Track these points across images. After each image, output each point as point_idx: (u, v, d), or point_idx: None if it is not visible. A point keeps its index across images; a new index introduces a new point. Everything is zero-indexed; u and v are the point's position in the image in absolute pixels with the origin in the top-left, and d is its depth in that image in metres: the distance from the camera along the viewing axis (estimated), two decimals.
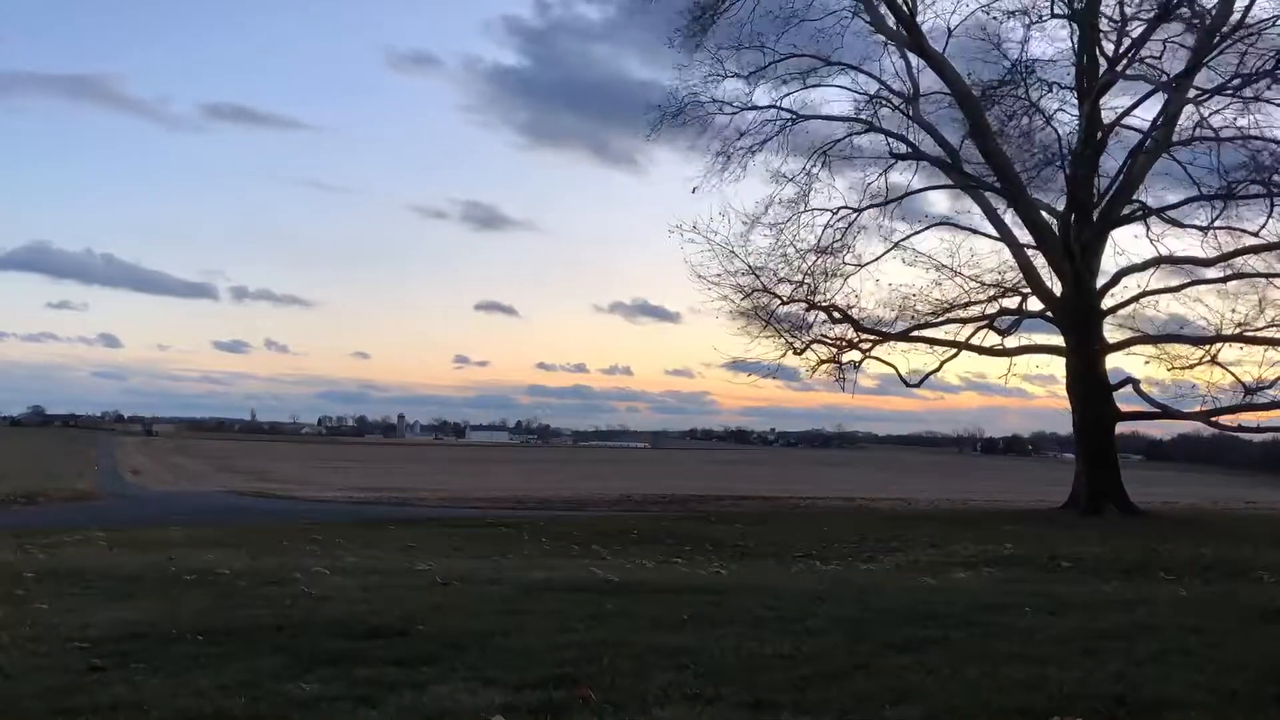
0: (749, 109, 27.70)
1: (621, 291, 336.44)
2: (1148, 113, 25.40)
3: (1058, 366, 27.88)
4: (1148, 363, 27.95)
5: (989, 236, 27.88)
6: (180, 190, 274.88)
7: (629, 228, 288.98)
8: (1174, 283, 26.75)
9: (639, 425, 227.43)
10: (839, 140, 27.84)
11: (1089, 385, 26.12)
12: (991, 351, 29.09)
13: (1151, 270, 26.71)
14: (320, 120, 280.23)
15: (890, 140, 27.58)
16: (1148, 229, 26.77)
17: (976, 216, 27.95)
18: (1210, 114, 24.32)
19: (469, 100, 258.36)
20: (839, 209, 28.14)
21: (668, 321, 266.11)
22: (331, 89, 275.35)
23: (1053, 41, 28.64)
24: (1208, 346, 26.29)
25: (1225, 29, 23.76)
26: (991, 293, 28.70)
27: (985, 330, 28.88)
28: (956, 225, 28.47)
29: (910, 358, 29.92)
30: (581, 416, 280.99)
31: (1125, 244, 27.78)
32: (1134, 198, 26.29)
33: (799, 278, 28.42)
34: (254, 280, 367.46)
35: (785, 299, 28.47)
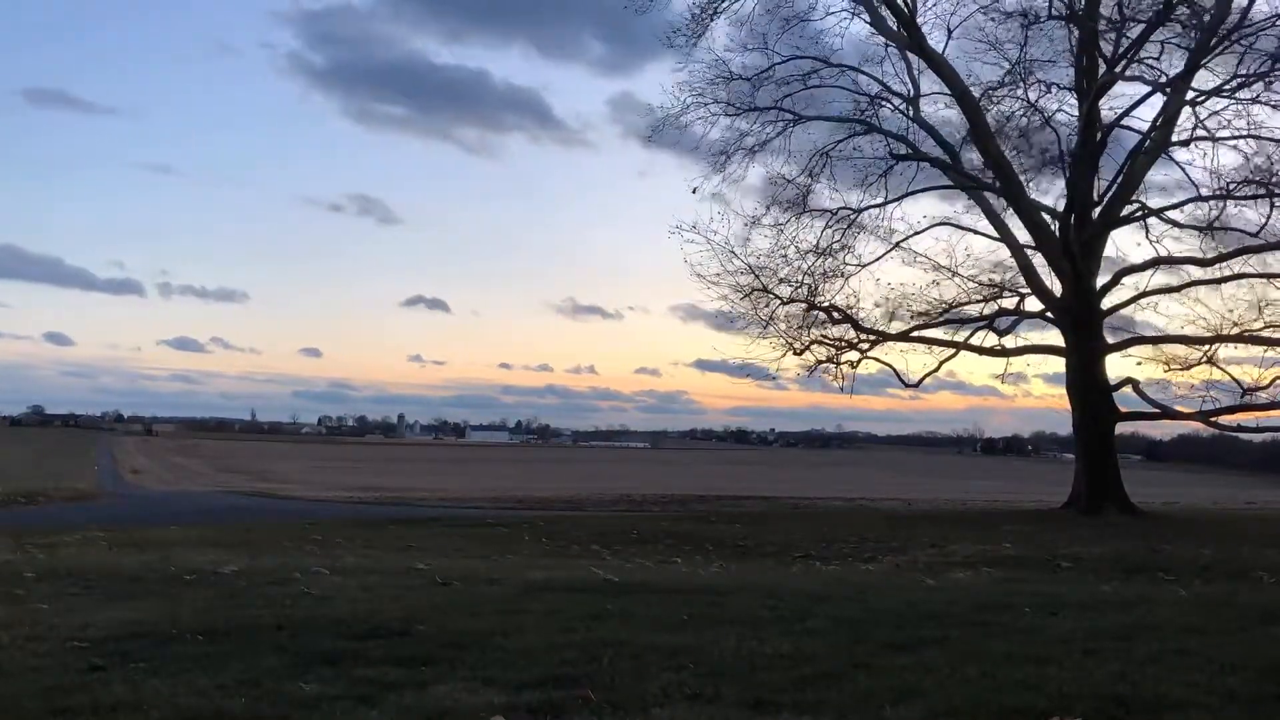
0: (750, 110, 27.72)
1: (556, 290, 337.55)
2: (1147, 113, 25.46)
3: (1057, 366, 27.93)
4: (1139, 364, 27.96)
5: (988, 237, 27.93)
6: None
7: (537, 221, 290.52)
8: (1173, 283, 26.80)
9: (619, 425, 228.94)
10: (839, 141, 27.88)
11: (1088, 385, 26.13)
12: (991, 352, 29.09)
13: (1151, 271, 26.76)
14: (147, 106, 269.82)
15: (890, 141, 27.60)
16: (1147, 230, 26.82)
17: (976, 217, 27.99)
18: (1209, 115, 24.35)
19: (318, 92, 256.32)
20: (839, 209, 28.18)
21: (611, 319, 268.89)
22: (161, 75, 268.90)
23: (1052, 42, 28.54)
24: (1206, 347, 26.31)
25: (1224, 30, 23.78)
26: (991, 293, 28.73)
27: (985, 330, 28.90)
28: (956, 225, 28.50)
29: (909, 358, 29.94)
30: (562, 416, 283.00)
31: (1124, 245, 27.82)
32: (1133, 198, 26.32)
33: (799, 278, 28.45)
34: (158, 274, 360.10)
35: (785, 299, 28.48)
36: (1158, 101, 24.83)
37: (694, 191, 28.73)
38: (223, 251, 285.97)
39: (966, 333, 28.92)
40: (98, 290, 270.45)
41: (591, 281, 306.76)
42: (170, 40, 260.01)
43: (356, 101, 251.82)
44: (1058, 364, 28.32)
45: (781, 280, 28.50)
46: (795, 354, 28.63)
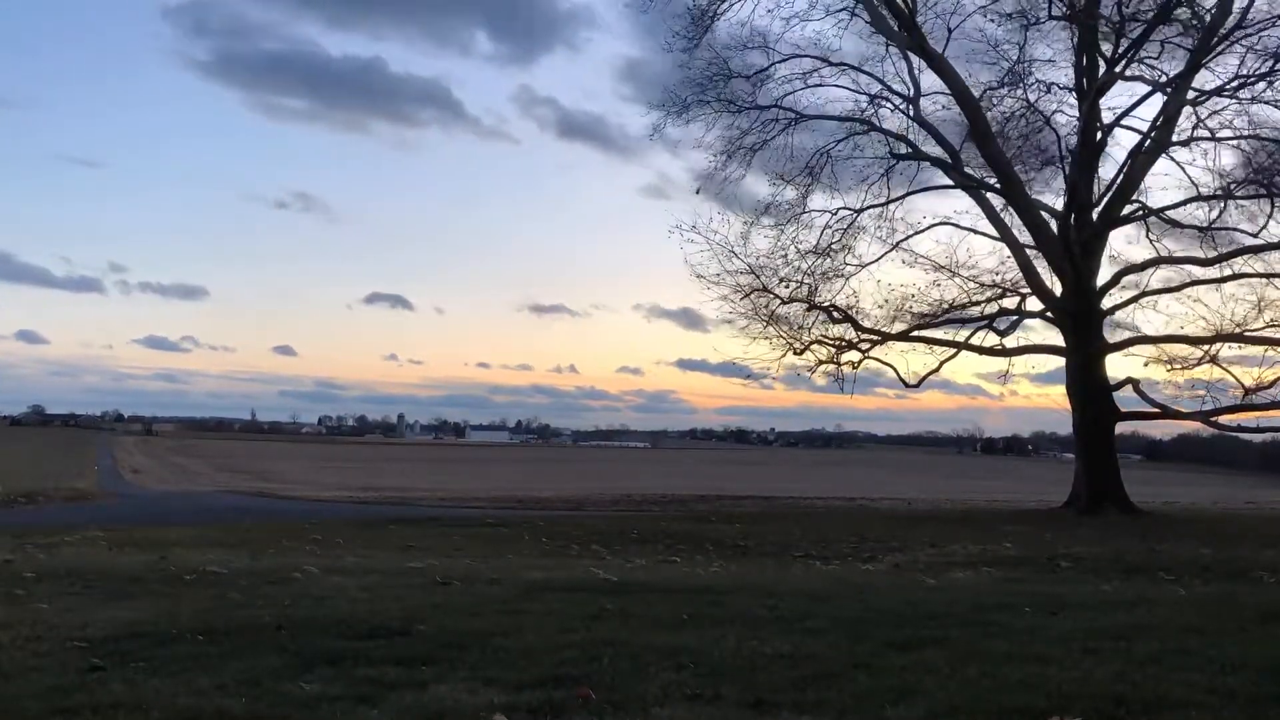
0: (751, 108, 27.73)
1: (515, 288, 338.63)
2: (1147, 113, 25.49)
3: (1057, 366, 27.93)
4: (1147, 364, 27.99)
5: (989, 237, 27.95)
6: None
7: (477, 216, 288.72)
8: (1173, 283, 26.80)
9: (613, 425, 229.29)
10: (840, 140, 27.90)
11: (1089, 385, 26.14)
12: (991, 351, 29.11)
13: (1151, 271, 26.78)
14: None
15: (891, 140, 27.62)
16: (1147, 229, 26.87)
17: (976, 217, 28.00)
18: (1209, 115, 24.36)
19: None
20: (839, 209, 28.21)
21: (579, 318, 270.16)
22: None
23: (1052, 42, 28.59)
24: (1207, 347, 26.32)
25: (1224, 30, 23.79)
26: (991, 293, 28.75)
27: (985, 330, 28.92)
28: (956, 225, 28.52)
29: (910, 358, 29.96)
30: (552, 415, 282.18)
31: (1124, 245, 27.86)
32: (1133, 198, 26.34)
33: (799, 278, 28.47)
34: (109, 270, 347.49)
35: (785, 299, 28.50)
36: (1158, 101, 24.87)
37: (697, 192, 28.78)
38: (172, 248, 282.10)
39: (967, 333, 28.97)
40: (57, 288, 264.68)
41: (549, 280, 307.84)
42: (65, 31, 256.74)
43: (257, 94, 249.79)
44: (1046, 363, 28.42)
45: (781, 280, 28.55)
46: (795, 354, 28.68)
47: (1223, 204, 24.92)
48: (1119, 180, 25.89)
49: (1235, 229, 25.41)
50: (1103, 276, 26.87)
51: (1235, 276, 25.89)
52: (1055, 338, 27.98)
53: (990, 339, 28.97)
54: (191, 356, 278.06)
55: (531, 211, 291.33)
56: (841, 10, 26.55)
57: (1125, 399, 27.24)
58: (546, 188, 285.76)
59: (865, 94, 27.44)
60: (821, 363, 28.89)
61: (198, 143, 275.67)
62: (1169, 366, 27.10)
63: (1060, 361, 27.42)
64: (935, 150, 27.21)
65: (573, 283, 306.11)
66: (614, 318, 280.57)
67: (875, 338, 29.01)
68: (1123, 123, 25.77)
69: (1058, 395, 27.68)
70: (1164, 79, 24.69)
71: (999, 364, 29.51)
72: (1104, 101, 25.37)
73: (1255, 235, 25.01)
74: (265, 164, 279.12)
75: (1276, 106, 23.58)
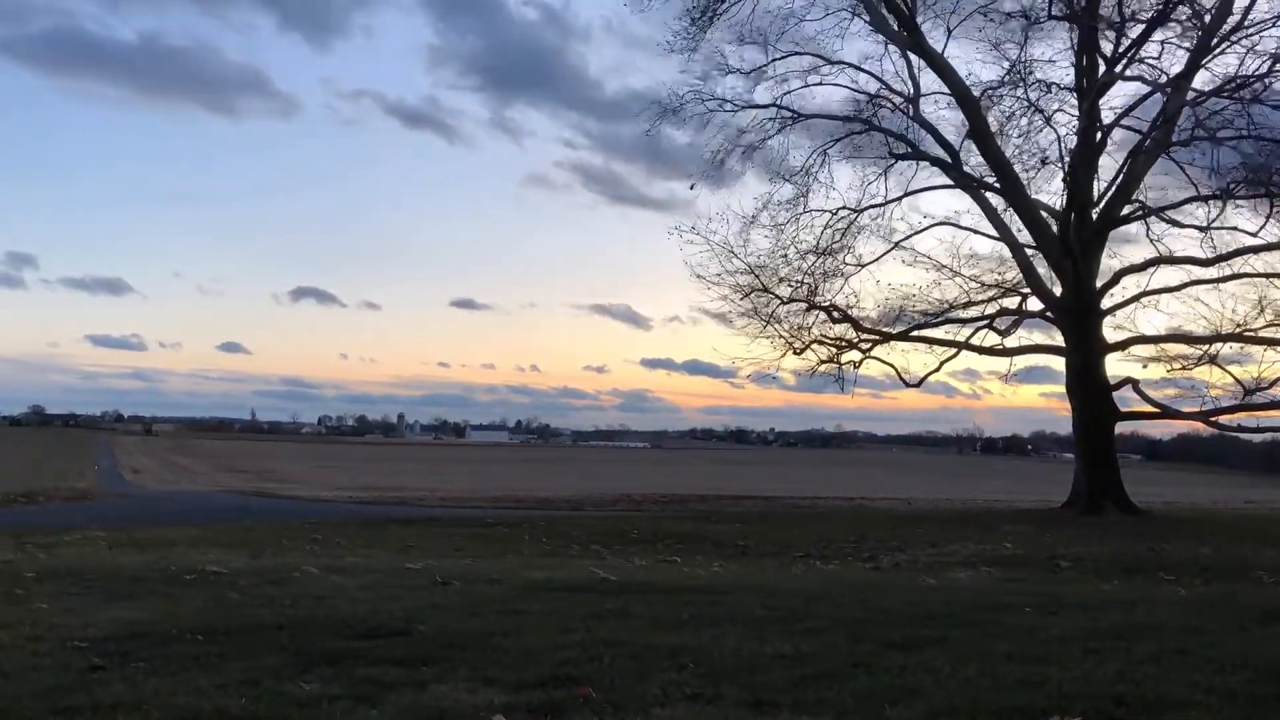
0: (749, 107, 27.75)
1: (443, 285, 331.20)
2: (1147, 113, 25.45)
3: (1057, 366, 27.93)
4: (1145, 366, 27.99)
5: (989, 236, 27.97)
6: None
7: (370, 209, 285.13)
8: (1173, 283, 26.80)
9: (596, 425, 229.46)
10: (839, 139, 27.90)
11: (1089, 385, 26.14)
12: (991, 351, 29.11)
13: (1151, 270, 26.77)
14: None
15: (890, 140, 27.63)
16: (1147, 229, 26.88)
17: (976, 216, 28.01)
18: (1209, 115, 24.34)
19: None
20: (839, 209, 28.21)
21: (506, 315, 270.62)
22: None
23: (1052, 42, 28.66)
24: (1207, 346, 26.32)
25: (1224, 30, 23.79)
26: (991, 293, 28.77)
27: (985, 330, 28.93)
28: (956, 225, 28.54)
29: (910, 357, 29.97)
30: (539, 415, 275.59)
31: (1124, 245, 27.83)
32: (1133, 198, 26.33)
33: (799, 278, 28.47)
34: (15, 264, 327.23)
35: (785, 299, 28.50)
36: (1158, 101, 24.84)
37: (691, 188, 28.77)
38: (77, 240, 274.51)
39: (967, 332, 28.98)
40: None
41: (473, 277, 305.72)
42: None
43: (69, 81, 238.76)
44: (1058, 363, 28.37)
45: (781, 280, 28.56)
46: (795, 354, 28.69)
47: (1223, 204, 24.90)
48: (1119, 180, 25.89)
49: (1235, 229, 25.42)
50: (1103, 276, 26.91)
51: (1235, 276, 25.90)
52: (1055, 337, 28.00)
53: (990, 339, 29.01)
54: (150, 355, 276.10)
55: (411, 203, 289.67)
56: (841, 9, 26.59)
57: (1125, 399, 27.29)
58: (405, 176, 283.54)
59: (865, 93, 27.49)
60: (822, 363, 28.92)
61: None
62: (1169, 366, 27.13)
63: (1060, 361, 27.42)
64: (935, 150, 27.24)
65: (497, 280, 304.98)
66: (550, 317, 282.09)
67: (875, 337, 29.02)
68: (1122, 123, 25.78)
69: (1058, 394, 27.72)
70: (1164, 79, 24.69)
71: (1022, 364, 29.58)
72: (1104, 101, 25.39)
73: (1255, 235, 25.03)
74: (121, 153, 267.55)
75: (1276, 107, 23.57)
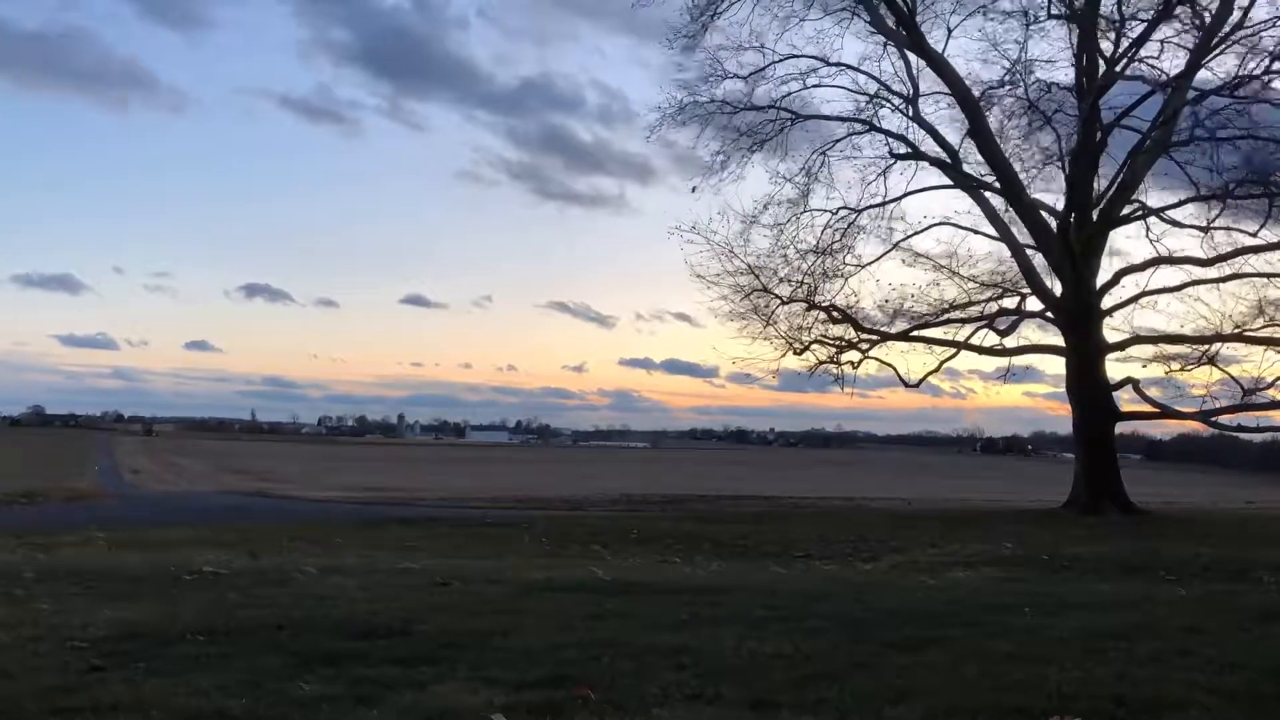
0: (749, 109, 27.73)
1: (393, 282, 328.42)
2: (1147, 113, 25.42)
3: (1057, 366, 27.92)
4: (1145, 365, 27.98)
5: (989, 237, 27.95)
6: None
7: (298, 206, 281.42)
8: (1173, 283, 26.80)
9: (587, 425, 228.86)
10: (839, 140, 27.91)
11: (1088, 385, 26.14)
12: (991, 351, 29.11)
13: (1151, 270, 26.76)
14: None
15: (890, 140, 27.64)
16: (1147, 229, 26.83)
17: (976, 216, 28.00)
18: (1209, 114, 24.34)
19: None
20: (838, 209, 28.21)
21: (470, 313, 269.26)
22: None
23: (1052, 42, 28.73)
24: (1207, 346, 26.31)
25: (1224, 30, 23.79)
26: (991, 293, 28.74)
27: (985, 330, 28.91)
28: (956, 225, 28.51)
29: (909, 358, 29.96)
30: (528, 414, 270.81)
31: (1124, 244, 27.91)
32: (1133, 198, 26.32)
33: (799, 278, 28.47)
34: None
35: (785, 299, 28.50)
36: (1158, 101, 24.83)
37: (693, 190, 28.75)
38: (20, 235, 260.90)
39: (967, 332, 28.97)
40: None
41: (420, 274, 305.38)
42: None
43: None
44: (1058, 363, 28.37)
45: (781, 280, 28.56)
46: (795, 354, 28.68)
47: (1222, 204, 24.89)
48: (1119, 180, 25.88)
49: (1235, 229, 25.42)
50: (1102, 276, 26.88)
51: (1235, 276, 25.89)
52: (1055, 337, 28.00)
53: (990, 339, 29.00)
54: (123, 354, 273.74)
55: (350, 199, 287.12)
56: (841, 10, 26.59)
57: (1125, 398, 27.28)
58: (316, 171, 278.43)
59: (864, 94, 27.48)
60: (821, 363, 28.92)
61: None
62: (1168, 366, 27.13)
63: (1060, 361, 27.42)
64: (934, 150, 27.23)
65: (443, 276, 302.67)
66: (509, 313, 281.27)
67: (875, 338, 29.02)
68: (1123, 122, 25.75)
69: (1058, 395, 27.74)
70: (1164, 78, 24.68)
71: (1022, 365, 29.58)
72: (1104, 101, 25.36)
73: (1255, 235, 25.02)
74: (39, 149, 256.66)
75: (1276, 106, 23.57)
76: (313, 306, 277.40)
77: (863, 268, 28.51)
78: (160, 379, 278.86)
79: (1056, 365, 29.13)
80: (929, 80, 26.90)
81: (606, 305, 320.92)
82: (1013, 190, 26.24)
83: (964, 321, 28.85)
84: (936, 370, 29.72)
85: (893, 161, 27.66)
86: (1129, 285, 26.99)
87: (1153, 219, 26.45)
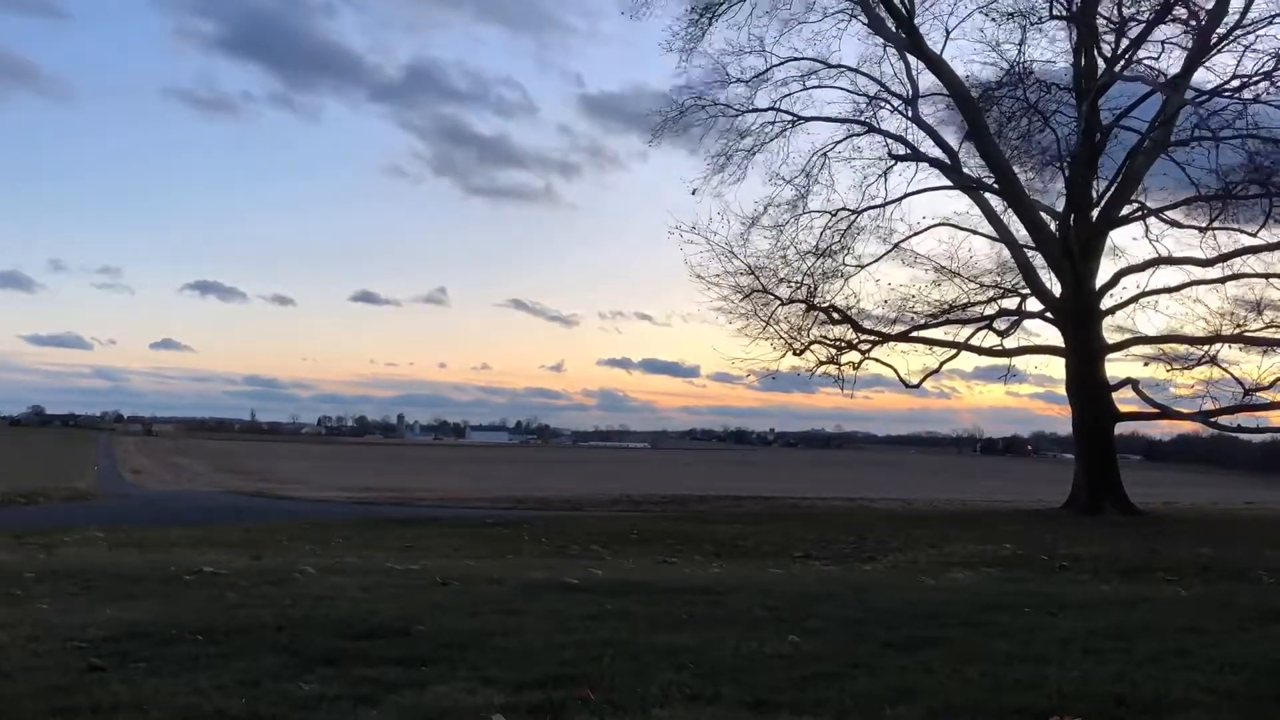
0: (749, 111, 27.76)
1: (342, 280, 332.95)
2: (1146, 113, 25.45)
3: (1057, 367, 27.93)
4: (1146, 364, 27.97)
5: (988, 237, 27.96)
6: None
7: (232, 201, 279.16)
8: (1173, 283, 26.80)
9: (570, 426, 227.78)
10: (838, 142, 27.93)
11: (1088, 385, 26.14)
12: (991, 352, 29.10)
13: (1150, 271, 26.76)
14: None
15: (889, 142, 27.68)
16: (1147, 229, 26.84)
17: (976, 217, 28.01)
18: (1209, 115, 24.35)
19: None
20: (838, 210, 28.22)
21: (394, 308, 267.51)
22: None
23: (1051, 43, 28.76)
24: (1206, 347, 26.30)
25: (1223, 30, 23.81)
26: (991, 293, 28.75)
27: (984, 331, 28.91)
28: (956, 226, 28.52)
29: (909, 358, 29.96)
30: (518, 414, 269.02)
31: (1124, 245, 27.84)
32: (1133, 198, 26.33)
33: (798, 279, 28.48)
34: None
35: (785, 300, 28.50)
36: (1157, 101, 24.84)
37: (693, 193, 28.75)
38: None
39: (967, 333, 28.97)
40: None
41: (366, 271, 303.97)
42: None
43: None
44: (1058, 364, 28.37)
45: (781, 281, 28.56)
46: (795, 354, 28.67)
47: (1222, 204, 24.89)
48: (1118, 180, 25.88)
49: (1235, 229, 25.41)
50: (1102, 277, 26.90)
51: (1235, 277, 25.90)
52: (1055, 338, 28.00)
53: (990, 339, 29.00)
54: (97, 353, 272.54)
55: (270, 193, 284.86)
56: (840, 12, 26.61)
57: (1125, 399, 27.28)
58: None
59: (864, 95, 27.50)
60: (821, 363, 28.91)
61: None
62: (1169, 367, 27.11)
63: (1060, 362, 27.41)
64: (934, 151, 27.25)
65: (389, 273, 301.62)
66: (467, 311, 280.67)
67: (875, 338, 29.02)
68: (1122, 123, 25.76)
69: (1058, 395, 27.75)
70: (1163, 79, 24.68)
71: (1022, 365, 29.62)
72: (1103, 102, 25.37)
73: (1255, 235, 25.03)
74: None
75: (1276, 106, 23.58)
76: (267, 304, 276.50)
77: (862, 268, 28.57)
78: (141, 379, 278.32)
79: (1040, 364, 29.35)
80: (928, 81, 26.97)
81: (565, 304, 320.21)
82: (1012, 191, 26.25)
83: (964, 322, 28.86)
84: (937, 371, 29.75)
85: (892, 163, 27.72)
86: (1129, 286, 27.04)
87: (1152, 219, 26.47)
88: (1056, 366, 28.04)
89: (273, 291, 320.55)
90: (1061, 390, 27.19)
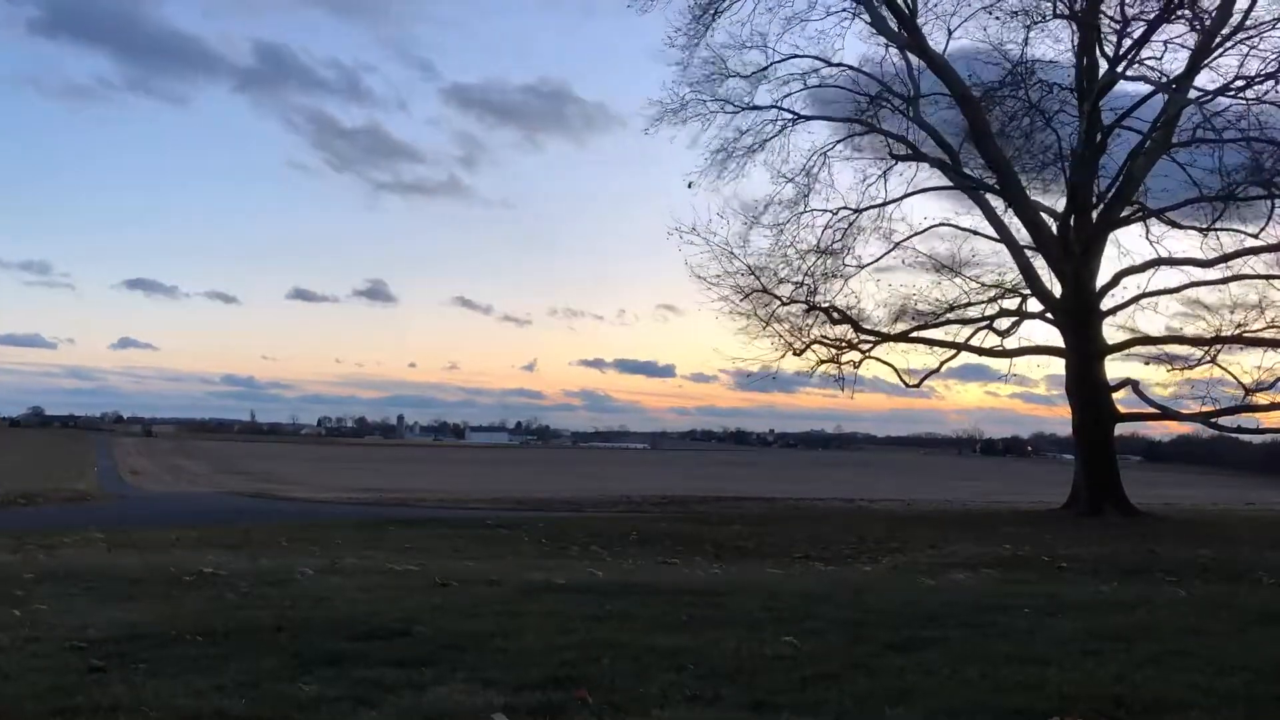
0: (750, 109, 27.76)
1: (275, 276, 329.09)
2: (1148, 114, 25.45)
3: (1057, 367, 27.92)
4: (1147, 364, 27.98)
5: (989, 237, 27.92)
6: None
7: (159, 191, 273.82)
8: (1173, 284, 26.80)
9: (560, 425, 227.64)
10: (839, 141, 27.92)
11: (1088, 386, 26.12)
12: (991, 352, 29.09)
13: (1151, 271, 26.74)
14: None
15: (891, 141, 27.63)
16: (1147, 230, 26.83)
17: (977, 218, 28.00)
18: (1211, 115, 24.35)
19: None
20: (839, 209, 28.21)
21: (334, 305, 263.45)
22: None
23: (1053, 42, 28.79)
24: (1207, 348, 26.29)
25: (1226, 30, 23.80)
26: (991, 294, 28.74)
27: (985, 331, 28.90)
28: (956, 226, 28.53)
29: (910, 358, 29.96)
30: (507, 415, 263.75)
31: (1125, 245, 27.81)
32: (1134, 199, 26.32)
33: (799, 278, 28.48)
34: None
35: (785, 299, 28.50)
36: (1159, 101, 24.84)
37: (689, 186, 28.73)
38: None
39: (967, 333, 28.97)
40: None
41: (294, 268, 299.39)
42: None
43: None
44: (1058, 364, 28.37)
45: (781, 280, 28.56)
46: (795, 354, 28.67)
47: (1224, 205, 24.89)
48: (1119, 181, 25.88)
49: (1236, 229, 25.41)
50: (1103, 277, 26.88)
51: (1235, 277, 25.88)
52: (1055, 338, 28.00)
53: (990, 340, 28.99)
54: (60, 352, 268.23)
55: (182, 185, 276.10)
56: (842, 11, 26.61)
57: (1125, 400, 27.28)
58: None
59: (865, 94, 27.47)
60: (822, 363, 28.91)
61: None
62: (1169, 367, 27.10)
63: (1060, 362, 27.42)
64: (935, 151, 27.20)
65: (322, 269, 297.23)
66: (416, 310, 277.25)
67: (875, 338, 29.02)
68: (1124, 123, 25.76)
69: (1058, 396, 27.75)
70: (1165, 79, 24.69)
71: (1022, 366, 29.65)
72: (1105, 102, 25.37)
73: (1256, 236, 25.02)
74: None
75: (1278, 106, 23.58)
76: (209, 300, 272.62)
77: (863, 268, 28.56)
78: (120, 379, 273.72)
79: (1041, 364, 29.36)
80: (930, 81, 26.94)
81: (513, 304, 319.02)
82: (1013, 191, 26.24)
83: (964, 322, 28.87)
84: (937, 371, 29.75)
85: (893, 162, 27.71)
86: (1129, 286, 27.01)
87: (1153, 220, 26.46)
88: (1057, 367, 28.08)
89: (210, 288, 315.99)
90: (1061, 391, 27.22)
